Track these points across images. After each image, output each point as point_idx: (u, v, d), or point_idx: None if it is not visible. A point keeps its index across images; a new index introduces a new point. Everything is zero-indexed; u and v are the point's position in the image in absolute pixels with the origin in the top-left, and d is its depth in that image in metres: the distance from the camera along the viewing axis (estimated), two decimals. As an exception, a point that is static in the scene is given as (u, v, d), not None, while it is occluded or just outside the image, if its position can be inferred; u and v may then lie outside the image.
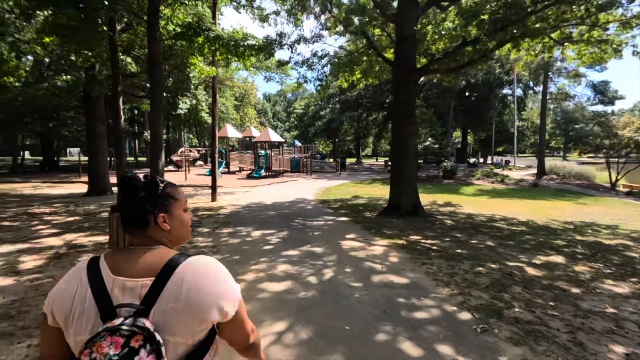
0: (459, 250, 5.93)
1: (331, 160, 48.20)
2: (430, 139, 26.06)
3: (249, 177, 22.87)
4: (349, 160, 38.73)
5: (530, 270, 4.88)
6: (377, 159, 62.55)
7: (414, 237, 6.85)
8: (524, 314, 3.47)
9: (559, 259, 5.55)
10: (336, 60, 11.22)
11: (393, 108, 9.50)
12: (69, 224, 7.72)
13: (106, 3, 7.55)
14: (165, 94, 32.46)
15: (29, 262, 4.87)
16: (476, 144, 54.96)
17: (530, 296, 3.94)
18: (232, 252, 5.62)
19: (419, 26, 9.20)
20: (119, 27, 9.52)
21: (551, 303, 3.75)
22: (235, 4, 14.61)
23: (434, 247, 6.10)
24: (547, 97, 25.93)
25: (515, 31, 7.81)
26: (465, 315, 3.44)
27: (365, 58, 11.10)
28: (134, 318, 0.82)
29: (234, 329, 0.97)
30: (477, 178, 21.88)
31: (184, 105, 30.52)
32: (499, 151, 52.86)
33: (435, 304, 3.71)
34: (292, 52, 10.20)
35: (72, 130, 30.38)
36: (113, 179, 15.03)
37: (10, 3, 7.71)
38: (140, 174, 1.01)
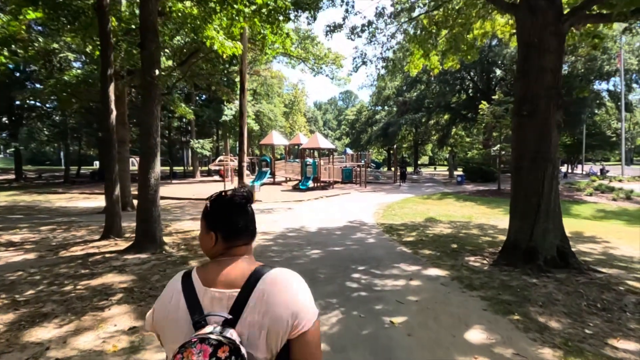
0: None
1: (385, 169, 43.97)
2: (503, 143, 20.59)
3: (295, 188, 19.86)
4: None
5: None
6: (435, 168, 56.80)
7: (627, 346, 2.99)
8: None
9: None
10: (418, 21, 7.57)
11: (519, 84, 5.63)
12: None
13: None
14: (210, 100, 31.16)
15: None
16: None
17: None
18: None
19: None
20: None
21: None
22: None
23: None
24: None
25: None
26: None
27: (459, 20, 7.36)
28: (222, 328, 0.83)
29: (305, 351, 0.89)
30: (588, 193, 16.60)
31: (229, 111, 28.81)
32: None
33: None
34: (347, 7, 6.80)
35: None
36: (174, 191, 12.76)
37: None
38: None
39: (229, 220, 0.98)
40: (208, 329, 0.81)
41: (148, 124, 6.11)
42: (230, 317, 0.84)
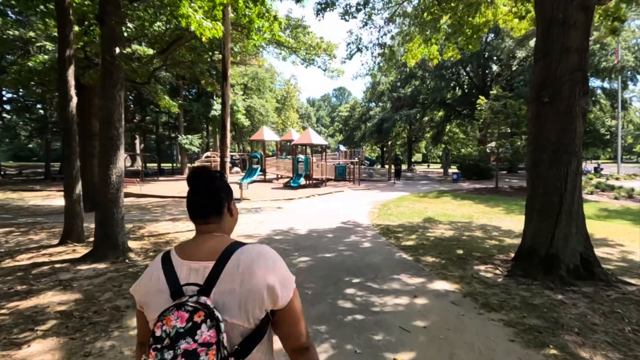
0: None
1: (379, 166, 43.30)
2: (501, 140, 19.70)
3: (286, 186, 19.05)
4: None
5: None
6: (428, 165, 56.34)
7: None
8: None
9: None
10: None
11: (538, 66, 4.89)
12: None
13: None
14: (199, 94, 30.10)
15: None
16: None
17: None
18: None
19: None
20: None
21: None
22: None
23: None
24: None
25: None
26: None
27: (464, 1, 6.62)
28: (197, 296, 0.86)
29: (287, 322, 0.95)
30: (589, 192, 16.07)
31: (218, 106, 27.77)
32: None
33: None
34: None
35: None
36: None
37: None
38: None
39: (189, 199, 1.02)
40: (184, 298, 0.85)
41: (109, 111, 5.25)
42: (203, 286, 0.88)
